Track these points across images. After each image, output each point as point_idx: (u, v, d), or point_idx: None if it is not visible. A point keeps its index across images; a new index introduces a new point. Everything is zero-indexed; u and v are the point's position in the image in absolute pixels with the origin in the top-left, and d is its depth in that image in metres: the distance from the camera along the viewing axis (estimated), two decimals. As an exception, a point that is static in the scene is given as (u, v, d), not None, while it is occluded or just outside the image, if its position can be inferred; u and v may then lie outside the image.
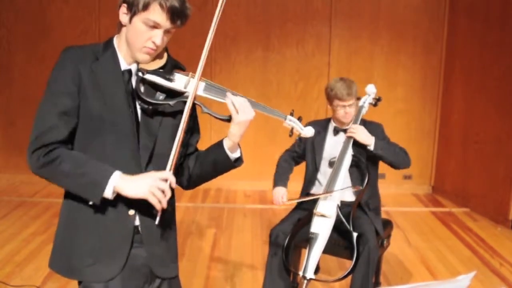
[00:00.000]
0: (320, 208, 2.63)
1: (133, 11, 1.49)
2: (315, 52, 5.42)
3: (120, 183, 1.47)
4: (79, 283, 1.63)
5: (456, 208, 4.98)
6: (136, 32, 1.51)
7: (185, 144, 1.71)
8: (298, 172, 3.04)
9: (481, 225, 4.50)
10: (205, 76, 1.61)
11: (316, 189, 2.87)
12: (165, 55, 1.63)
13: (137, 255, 1.61)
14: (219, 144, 1.65)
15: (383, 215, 3.02)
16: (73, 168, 1.47)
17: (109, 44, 1.59)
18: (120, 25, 1.56)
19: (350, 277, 2.59)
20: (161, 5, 1.47)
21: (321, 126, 2.91)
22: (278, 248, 2.69)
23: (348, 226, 2.60)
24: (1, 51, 5.36)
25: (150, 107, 1.57)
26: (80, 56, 1.52)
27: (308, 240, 2.57)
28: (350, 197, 2.80)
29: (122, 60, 1.58)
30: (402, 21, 5.34)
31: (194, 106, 1.63)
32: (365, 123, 2.85)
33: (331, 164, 2.81)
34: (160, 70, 1.60)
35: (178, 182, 1.75)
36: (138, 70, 1.58)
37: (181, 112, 1.57)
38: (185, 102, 1.57)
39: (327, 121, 2.96)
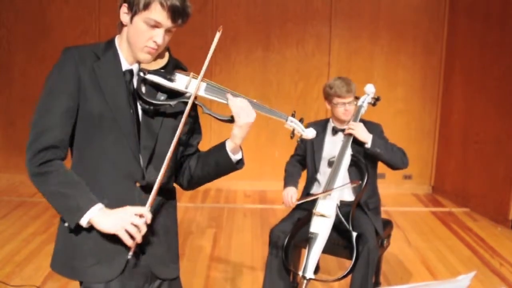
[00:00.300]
0: (319, 208, 2.64)
1: (134, 10, 1.49)
2: (315, 52, 5.43)
3: (97, 217, 1.48)
4: (81, 283, 1.62)
5: (456, 208, 4.98)
6: (137, 31, 1.51)
7: (183, 144, 1.70)
8: (298, 172, 3.04)
9: (481, 225, 4.50)
10: (205, 76, 1.60)
11: (316, 189, 2.88)
12: (167, 54, 1.63)
13: (137, 255, 1.61)
14: (221, 145, 1.64)
15: (383, 215, 3.02)
16: (60, 187, 1.48)
17: (110, 44, 1.59)
18: (121, 25, 1.56)
19: (349, 277, 2.59)
20: (162, 4, 1.47)
21: (320, 127, 2.91)
22: (278, 248, 2.69)
23: (348, 226, 2.60)
24: (1, 51, 5.36)
25: (151, 108, 1.57)
26: (80, 57, 1.52)
27: (307, 240, 2.57)
28: (349, 196, 2.80)
29: (124, 60, 1.58)
30: (402, 21, 5.34)
31: (195, 106, 1.63)
32: (364, 123, 2.85)
33: (330, 163, 2.81)
34: (161, 70, 1.59)
35: (179, 183, 1.76)
36: (140, 70, 1.58)
37: (182, 113, 1.57)
38: (186, 103, 1.57)
39: (326, 121, 2.96)
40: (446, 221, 4.61)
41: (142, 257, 1.62)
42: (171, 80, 1.59)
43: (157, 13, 1.48)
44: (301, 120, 1.64)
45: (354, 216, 2.70)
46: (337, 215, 2.62)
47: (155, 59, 1.59)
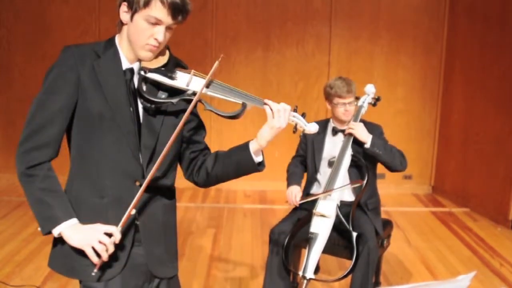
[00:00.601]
0: (319, 208, 2.64)
1: (134, 8, 1.49)
2: (315, 52, 5.42)
3: (67, 232, 1.51)
4: (80, 282, 1.62)
5: (456, 208, 4.98)
6: (138, 29, 1.51)
7: (190, 142, 1.70)
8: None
9: (481, 225, 4.50)
10: (206, 75, 1.60)
11: (316, 189, 2.88)
12: (167, 53, 1.63)
13: (136, 254, 1.61)
14: (244, 146, 1.63)
15: (383, 215, 3.02)
16: (43, 194, 1.51)
17: (110, 43, 1.59)
18: (121, 24, 1.56)
19: (350, 276, 2.59)
20: (162, 1, 1.47)
21: (320, 127, 2.90)
22: (278, 248, 2.69)
23: (348, 226, 2.61)
24: (1, 51, 5.36)
25: (153, 106, 1.57)
26: (79, 55, 1.52)
27: (307, 240, 2.57)
28: (349, 197, 2.81)
29: (124, 59, 1.58)
30: (402, 21, 5.34)
31: (196, 103, 1.63)
32: (364, 123, 2.85)
33: (330, 164, 2.81)
34: (162, 69, 1.59)
35: (193, 180, 1.74)
36: (140, 68, 1.58)
37: (183, 111, 1.57)
38: (187, 101, 1.57)
39: (326, 121, 2.96)
40: (446, 221, 4.61)
41: (141, 256, 1.62)
42: (172, 78, 1.58)
43: (158, 10, 1.48)
44: (303, 115, 1.63)
45: (354, 216, 2.70)
46: (337, 215, 2.62)
47: (155, 57, 1.59)
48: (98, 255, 1.49)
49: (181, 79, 1.59)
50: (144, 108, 1.58)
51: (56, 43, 5.10)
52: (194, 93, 1.57)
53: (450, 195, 5.27)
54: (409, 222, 4.55)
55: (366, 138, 2.72)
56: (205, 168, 1.69)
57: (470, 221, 4.61)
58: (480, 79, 4.78)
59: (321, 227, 2.57)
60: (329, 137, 2.89)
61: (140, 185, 1.56)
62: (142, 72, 1.57)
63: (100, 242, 1.48)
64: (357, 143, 2.75)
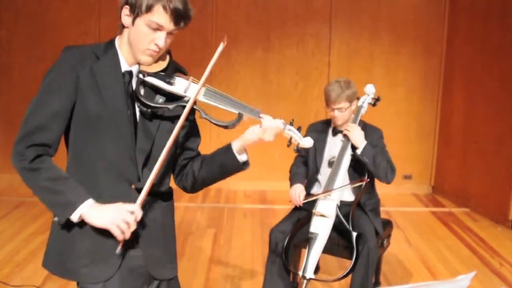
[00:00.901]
0: (319, 208, 2.64)
1: (136, 13, 1.49)
2: (315, 52, 5.42)
3: (88, 212, 1.48)
4: (78, 283, 1.62)
5: (456, 208, 4.98)
6: (139, 34, 1.50)
7: (183, 148, 1.70)
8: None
9: (481, 225, 4.50)
10: (206, 78, 1.60)
11: (316, 190, 2.87)
12: (167, 57, 1.62)
13: (134, 256, 1.61)
14: (227, 147, 1.64)
15: (383, 215, 3.02)
16: (51, 183, 1.48)
17: (110, 45, 1.58)
18: (122, 27, 1.56)
19: (350, 276, 2.59)
20: (164, 7, 1.46)
21: (321, 127, 2.91)
22: (278, 248, 2.69)
23: (348, 226, 2.61)
24: (1, 51, 5.36)
25: (149, 110, 1.57)
26: (79, 57, 1.52)
27: (307, 240, 2.57)
28: (349, 196, 2.80)
29: (124, 61, 1.58)
30: (402, 21, 5.34)
31: (193, 110, 1.62)
32: (364, 125, 2.85)
33: (330, 164, 2.81)
34: (161, 73, 1.59)
35: (182, 186, 1.75)
36: (139, 72, 1.58)
37: (179, 116, 1.56)
38: (184, 107, 1.56)
39: (327, 122, 2.96)
40: (446, 221, 4.61)
41: (139, 258, 1.62)
42: (170, 83, 1.58)
43: (160, 16, 1.47)
44: (299, 129, 1.63)
45: (354, 216, 2.70)
46: (337, 215, 2.62)
47: (155, 61, 1.58)
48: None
49: (179, 85, 1.59)
50: (141, 112, 1.58)
51: (56, 43, 5.10)
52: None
53: (450, 195, 5.27)
54: (409, 222, 4.55)
55: (359, 143, 2.70)
56: (192, 172, 1.70)
57: (470, 221, 4.61)
58: (480, 79, 4.78)
59: (321, 227, 2.58)
60: (330, 137, 2.89)
61: (136, 189, 1.57)
62: (141, 76, 1.57)
63: (124, 221, 1.47)
64: (352, 146, 2.74)
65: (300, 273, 2.50)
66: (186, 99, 1.57)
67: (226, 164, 1.65)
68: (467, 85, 5.01)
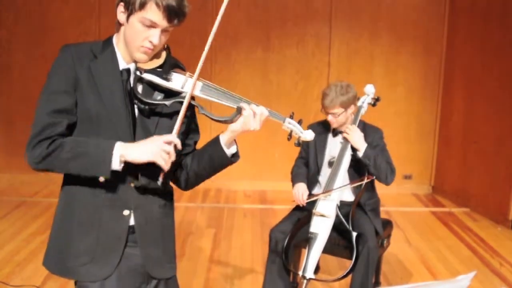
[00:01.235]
0: (319, 208, 2.64)
1: (130, 10, 1.49)
2: (315, 52, 5.42)
3: (125, 151, 1.46)
4: (76, 282, 1.62)
5: (456, 208, 4.98)
6: (134, 31, 1.50)
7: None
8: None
9: (481, 225, 4.50)
10: (205, 75, 1.60)
11: (317, 190, 2.87)
12: (163, 54, 1.62)
13: (132, 255, 1.61)
14: (215, 140, 1.64)
15: (383, 215, 3.02)
16: (75, 151, 1.46)
17: (108, 43, 1.58)
18: (119, 24, 1.56)
19: (350, 276, 2.59)
20: (157, 4, 1.46)
21: (322, 127, 2.91)
22: (278, 248, 2.69)
23: (348, 226, 2.61)
24: (1, 51, 5.36)
25: (147, 107, 1.57)
26: (77, 55, 1.52)
27: (307, 240, 2.57)
28: (349, 196, 2.80)
29: (121, 59, 1.58)
30: (402, 21, 5.34)
31: (192, 106, 1.62)
32: (365, 125, 2.85)
33: (330, 164, 2.81)
34: (158, 70, 1.59)
35: (177, 183, 1.75)
36: (136, 69, 1.58)
37: (178, 112, 1.56)
38: (181, 103, 1.56)
39: (327, 122, 2.95)
40: (446, 221, 4.61)
41: (138, 257, 1.62)
42: (167, 79, 1.58)
43: (153, 13, 1.47)
44: (299, 122, 1.62)
45: (354, 216, 2.70)
46: (337, 215, 2.62)
47: (151, 58, 1.58)
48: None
49: (176, 81, 1.59)
50: (139, 109, 1.58)
51: (56, 43, 5.04)
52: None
53: (450, 195, 5.27)
54: (409, 222, 4.55)
55: (360, 146, 2.70)
56: (185, 167, 1.70)
57: (470, 221, 4.61)
58: (480, 79, 4.78)
59: (321, 227, 2.57)
60: (330, 138, 2.89)
61: (135, 187, 1.57)
62: (138, 73, 1.57)
63: (165, 151, 1.47)
64: (352, 148, 2.74)
65: (300, 273, 2.50)
66: (183, 94, 1.57)
67: (214, 157, 1.64)
68: (467, 85, 5.01)
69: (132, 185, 1.57)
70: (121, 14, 1.53)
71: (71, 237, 1.56)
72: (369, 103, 2.92)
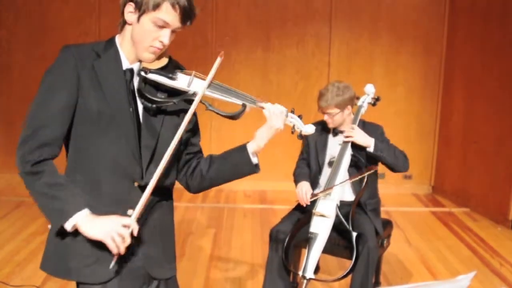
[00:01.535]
0: (319, 208, 2.63)
1: (142, 10, 1.48)
2: (315, 52, 5.42)
3: (83, 223, 1.47)
4: (77, 284, 1.62)
5: (456, 208, 4.98)
6: (144, 31, 1.50)
7: (185, 143, 1.70)
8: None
9: (481, 225, 4.50)
10: (206, 75, 1.60)
11: (318, 190, 2.87)
12: (168, 54, 1.62)
13: (134, 257, 1.60)
14: (243, 147, 1.65)
15: (383, 215, 3.02)
16: (49, 189, 1.47)
17: (111, 43, 1.58)
18: (123, 24, 1.56)
19: (350, 276, 2.59)
20: (173, 5, 1.47)
21: (322, 127, 2.91)
22: (278, 248, 2.69)
23: (348, 226, 2.60)
24: (1, 51, 5.36)
25: (154, 106, 1.57)
26: (79, 55, 1.51)
27: (307, 240, 2.57)
28: (349, 196, 2.80)
29: (125, 59, 1.57)
30: (402, 21, 5.34)
31: (197, 103, 1.63)
32: (364, 124, 2.85)
33: (330, 164, 2.81)
34: (163, 70, 1.59)
35: (186, 185, 1.75)
36: (141, 69, 1.58)
37: (183, 111, 1.57)
38: (188, 101, 1.57)
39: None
40: (446, 221, 4.61)
41: (138, 258, 1.62)
42: (172, 78, 1.58)
43: (168, 13, 1.47)
44: (300, 116, 1.65)
45: (354, 216, 2.69)
46: (337, 215, 2.62)
47: (156, 58, 1.58)
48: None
49: (182, 80, 1.59)
50: (145, 108, 1.58)
51: (56, 43, 5.07)
52: (195, 94, 1.58)
53: (450, 195, 5.27)
54: (409, 222, 4.55)
55: (368, 142, 2.70)
56: (199, 171, 1.70)
57: (470, 221, 4.61)
58: (480, 79, 4.78)
59: (321, 227, 2.57)
60: (330, 138, 2.89)
61: (139, 186, 1.56)
62: (143, 73, 1.57)
63: (119, 234, 1.46)
64: (358, 146, 2.73)
65: (300, 273, 2.50)
66: (190, 92, 1.58)
67: (239, 165, 1.65)
68: (467, 85, 5.01)
69: (137, 184, 1.57)
70: (129, 14, 1.52)
71: (74, 238, 1.55)
72: (369, 103, 2.92)
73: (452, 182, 5.28)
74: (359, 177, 2.67)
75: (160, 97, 1.58)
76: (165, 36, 1.50)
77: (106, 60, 1.54)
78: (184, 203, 4.87)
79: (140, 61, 1.58)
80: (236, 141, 1.72)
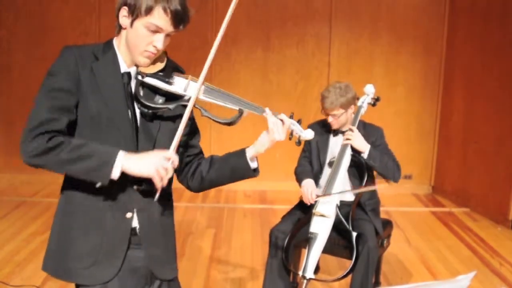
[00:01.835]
0: (319, 208, 2.63)
1: (135, 14, 1.48)
2: (315, 52, 5.42)
3: (127, 162, 1.45)
4: (77, 286, 1.62)
5: (456, 208, 4.98)
6: (138, 36, 1.49)
7: (185, 146, 1.70)
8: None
9: (481, 225, 4.50)
10: (205, 76, 1.60)
11: (318, 190, 2.86)
12: (165, 57, 1.62)
13: (135, 256, 1.61)
14: (241, 152, 1.65)
15: (383, 215, 3.02)
16: (76, 153, 1.43)
17: (108, 46, 1.57)
18: (120, 27, 1.55)
19: (350, 276, 2.59)
20: (164, 10, 1.46)
21: (323, 127, 2.91)
22: (278, 248, 2.69)
23: (348, 226, 2.61)
24: (1, 51, 5.36)
25: (150, 111, 1.56)
26: (79, 56, 1.51)
27: (307, 240, 2.57)
28: (349, 196, 2.80)
29: (122, 62, 1.57)
30: (402, 21, 5.34)
31: (191, 109, 1.62)
32: (365, 125, 2.85)
33: (330, 164, 2.81)
34: (160, 73, 1.58)
35: (186, 185, 1.76)
36: (138, 73, 1.57)
37: (180, 116, 1.56)
38: (184, 106, 1.56)
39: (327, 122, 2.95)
40: (446, 221, 4.61)
41: (140, 258, 1.62)
42: (169, 83, 1.58)
43: (160, 18, 1.47)
44: (299, 121, 1.64)
45: (354, 216, 2.70)
46: (337, 215, 2.62)
47: (153, 62, 1.58)
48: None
49: (178, 84, 1.58)
50: (141, 113, 1.57)
51: (56, 43, 5.09)
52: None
53: (450, 195, 5.27)
54: (409, 222, 4.55)
55: (363, 148, 2.71)
56: (200, 172, 1.70)
57: (470, 221, 4.61)
58: (480, 79, 4.78)
59: (321, 227, 2.57)
60: (331, 138, 2.89)
61: (138, 190, 1.56)
62: (139, 77, 1.56)
63: (163, 167, 1.46)
64: (355, 150, 2.74)
65: (300, 273, 2.50)
66: (186, 98, 1.57)
67: (237, 169, 1.66)
68: (467, 85, 5.01)
69: (136, 187, 1.57)
70: (123, 19, 1.51)
71: (73, 240, 1.55)
72: (369, 103, 2.92)
73: (452, 182, 5.28)
74: (358, 191, 2.68)
75: (156, 102, 1.57)
76: (159, 41, 1.50)
77: (104, 62, 1.53)
78: (184, 203, 4.87)
79: (137, 65, 1.57)
80: (236, 142, 1.73)
